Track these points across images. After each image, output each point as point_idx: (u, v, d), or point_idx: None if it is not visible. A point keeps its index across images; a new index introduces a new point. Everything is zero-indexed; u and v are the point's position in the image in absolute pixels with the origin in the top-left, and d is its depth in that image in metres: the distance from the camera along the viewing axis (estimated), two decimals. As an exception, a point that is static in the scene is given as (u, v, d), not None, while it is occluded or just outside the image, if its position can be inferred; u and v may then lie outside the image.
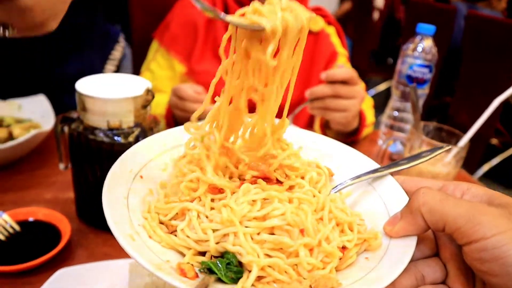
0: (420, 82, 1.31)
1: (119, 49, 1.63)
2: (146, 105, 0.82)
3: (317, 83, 1.61)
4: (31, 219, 0.87)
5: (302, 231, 0.48)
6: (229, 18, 0.46)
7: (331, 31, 1.67)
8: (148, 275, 0.72)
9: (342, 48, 1.68)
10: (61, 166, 0.93)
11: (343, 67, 1.21)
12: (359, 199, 0.61)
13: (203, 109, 0.54)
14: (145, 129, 0.82)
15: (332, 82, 1.19)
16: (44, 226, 0.87)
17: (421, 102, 1.34)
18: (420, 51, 1.29)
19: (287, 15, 0.48)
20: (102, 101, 0.77)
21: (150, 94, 0.81)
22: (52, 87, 1.27)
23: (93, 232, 0.90)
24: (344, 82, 1.19)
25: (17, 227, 0.85)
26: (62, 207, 0.92)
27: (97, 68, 1.49)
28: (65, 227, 0.85)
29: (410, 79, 1.31)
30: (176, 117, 1.36)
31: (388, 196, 0.58)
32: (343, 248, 0.51)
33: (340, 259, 0.50)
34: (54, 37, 1.38)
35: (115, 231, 0.43)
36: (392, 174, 0.60)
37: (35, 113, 1.16)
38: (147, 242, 0.47)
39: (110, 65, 1.55)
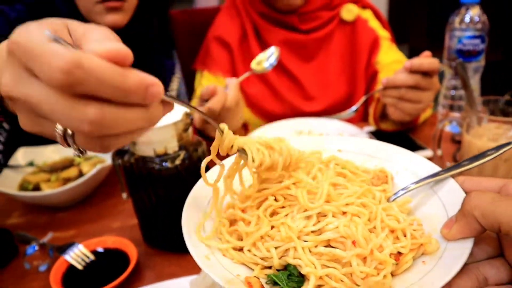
0: (473, 54, 1.23)
1: (176, 81, 1.67)
2: (187, 128, 0.86)
3: (363, 74, 1.56)
4: (100, 248, 0.94)
5: (354, 243, 0.50)
6: None
7: (368, 15, 1.57)
8: (207, 290, 0.75)
9: (384, 31, 1.57)
10: (124, 195, 0.99)
11: (428, 57, 1.12)
12: (420, 204, 0.61)
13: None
14: (189, 151, 0.86)
15: (414, 71, 1.11)
16: (114, 252, 0.93)
17: (477, 76, 1.26)
18: (467, 22, 1.22)
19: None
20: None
21: (189, 117, 0.85)
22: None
23: (159, 254, 0.94)
24: (425, 73, 1.11)
25: (91, 256, 0.92)
26: (130, 234, 0.97)
27: None
28: (132, 252, 0.90)
29: (461, 53, 1.23)
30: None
31: (448, 199, 0.57)
32: (399, 254, 0.52)
33: (396, 264, 0.51)
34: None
35: (193, 253, 0.49)
36: (454, 176, 0.58)
37: (99, 149, 1.26)
38: (221, 260, 0.53)
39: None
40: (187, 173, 0.84)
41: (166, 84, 1.60)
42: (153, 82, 0.38)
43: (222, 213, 0.59)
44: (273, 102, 1.52)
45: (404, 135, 1.28)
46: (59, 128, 0.40)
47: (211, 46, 1.55)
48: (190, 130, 0.86)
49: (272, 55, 1.19)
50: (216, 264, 0.51)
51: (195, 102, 1.55)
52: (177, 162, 0.83)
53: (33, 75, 0.37)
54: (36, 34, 0.37)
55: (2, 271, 0.93)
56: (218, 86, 1.08)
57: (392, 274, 0.51)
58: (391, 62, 1.53)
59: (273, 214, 0.57)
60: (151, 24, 1.40)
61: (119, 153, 0.90)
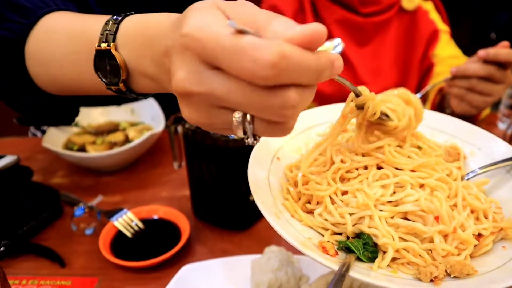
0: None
1: None
2: (256, 100, 0.80)
3: (417, 65, 1.50)
4: (153, 216, 0.91)
5: (436, 218, 0.49)
6: None
7: (429, 6, 1.57)
8: (272, 271, 0.71)
9: (443, 24, 1.56)
10: (175, 165, 0.96)
11: (506, 47, 1.11)
12: (496, 187, 0.60)
13: None
14: (256, 125, 0.81)
15: (488, 62, 1.09)
16: (165, 223, 0.91)
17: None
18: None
19: None
20: (215, 98, 0.77)
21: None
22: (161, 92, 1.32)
23: (209, 229, 0.93)
24: (500, 64, 1.10)
25: (141, 225, 0.89)
26: (178, 205, 0.98)
27: None
28: (184, 225, 0.88)
29: (536, 50, 1.15)
30: None
31: None
32: (479, 235, 0.52)
33: (475, 246, 0.51)
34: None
35: (264, 211, 0.48)
36: None
37: (146, 116, 1.23)
38: (290, 220, 0.52)
39: None
40: (252, 147, 0.79)
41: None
42: (336, 56, 0.38)
43: (288, 172, 0.60)
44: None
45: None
46: (237, 116, 0.40)
47: None
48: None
49: (338, 45, 1.13)
50: (286, 224, 0.50)
51: None
52: (243, 134, 0.77)
53: (215, 68, 0.38)
54: (217, 27, 0.36)
55: (46, 230, 0.90)
56: None
57: (470, 256, 0.51)
58: (449, 56, 1.50)
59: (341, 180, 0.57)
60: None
61: (178, 120, 0.84)
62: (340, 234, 0.53)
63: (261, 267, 0.75)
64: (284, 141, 0.64)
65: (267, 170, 0.58)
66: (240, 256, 0.81)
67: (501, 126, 1.29)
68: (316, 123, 0.67)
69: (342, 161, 0.57)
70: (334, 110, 0.69)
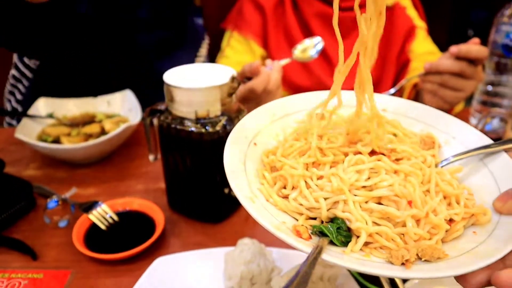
0: (519, 51, 1.18)
1: (205, 46, 1.69)
2: (232, 93, 0.80)
3: (394, 61, 1.52)
4: (127, 209, 0.91)
5: (410, 203, 0.50)
6: None
7: (407, 3, 1.57)
8: (244, 264, 0.71)
9: (420, 21, 1.58)
10: (151, 157, 0.95)
11: (477, 44, 1.12)
12: (468, 175, 0.61)
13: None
14: (231, 118, 0.81)
15: (459, 58, 1.11)
16: (139, 216, 0.91)
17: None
18: (518, 16, 1.16)
19: None
20: (190, 91, 0.78)
21: (235, 81, 0.80)
22: (138, 84, 1.30)
23: (184, 221, 0.92)
24: (471, 61, 1.12)
25: (115, 217, 0.88)
26: (153, 197, 0.97)
27: None
28: (159, 217, 0.88)
29: (507, 48, 1.18)
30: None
31: (500, 173, 0.57)
32: (450, 220, 0.52)
33: (446, 231, 0.51)
34: (157, 39, 1.41)
35: (238, 194, 0.48)
36: (506, 150, 0.58)
37: (122, 108, 1.21)
38: (264, 204, 0.52)
39: (198, 62, 1.57)
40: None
41: (196, 49, 1.53)
42: None
43: (264, 158, 0.60)
44: (300, 74, 1.51)
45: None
46: None
47: (245, 6, 1.51)
48: (234, 96, 0.80)
49: (318, 43, 1.14)
50: (261, 208, 0.50)
51: (221, 62, 1.48)
52: (218, 127, 0.77)
53: None
54: None
55: (18, 223, 0.89)
56: (262, 66, 1.04)
57: (442, 241, 0.52)
58: (425, 52, 1.52)
59: (315, 164, 0.57)
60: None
61: (153, 112, 0.84)
62: (314, 219, 0.53)
63: (234, 259, 0.75)
64: (261, 127, 0.63)
65: (243, 154, 0.58)
66: (214, 249, 0.80)
67: (473, 121, 1.32)
68: (294, 110, 0.67)
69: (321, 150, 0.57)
70: (312, 98, 0.69)
